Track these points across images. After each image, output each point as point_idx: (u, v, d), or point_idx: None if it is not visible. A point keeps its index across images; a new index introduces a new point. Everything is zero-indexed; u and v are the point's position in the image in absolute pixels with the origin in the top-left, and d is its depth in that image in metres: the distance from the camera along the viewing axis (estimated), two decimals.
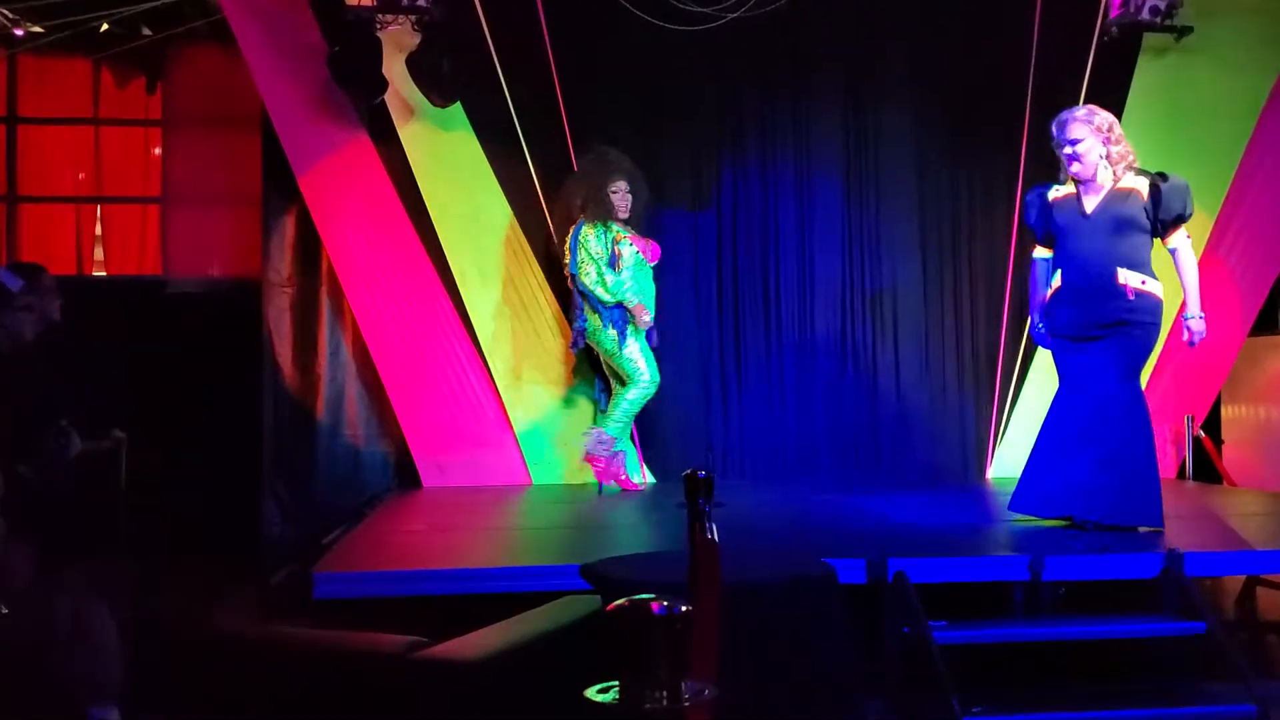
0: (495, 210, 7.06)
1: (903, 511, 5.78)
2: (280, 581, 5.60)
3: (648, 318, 6.56)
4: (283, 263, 6.95)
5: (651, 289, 6.66)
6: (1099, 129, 4.91)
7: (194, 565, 4.90)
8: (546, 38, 6.88)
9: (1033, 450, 5.16)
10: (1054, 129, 5.00)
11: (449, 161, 7.00)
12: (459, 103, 6.83)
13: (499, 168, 7.03)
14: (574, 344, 6.75)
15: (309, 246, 6.95)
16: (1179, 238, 4.95)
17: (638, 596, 1.84)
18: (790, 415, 7.39)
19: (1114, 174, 4.93)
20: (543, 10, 6.82)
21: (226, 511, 6.52)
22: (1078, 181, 4.99)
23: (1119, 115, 7.00)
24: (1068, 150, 4.95)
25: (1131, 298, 4.83)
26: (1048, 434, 5.06)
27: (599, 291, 6.49)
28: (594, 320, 6.57)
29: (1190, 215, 4.94)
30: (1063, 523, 4.94)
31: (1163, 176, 4.92)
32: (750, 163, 7.44)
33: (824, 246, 7.48)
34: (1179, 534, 4.89)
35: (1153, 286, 4.90)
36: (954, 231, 7.59)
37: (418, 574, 4.18)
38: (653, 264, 6.68)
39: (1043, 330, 5.15)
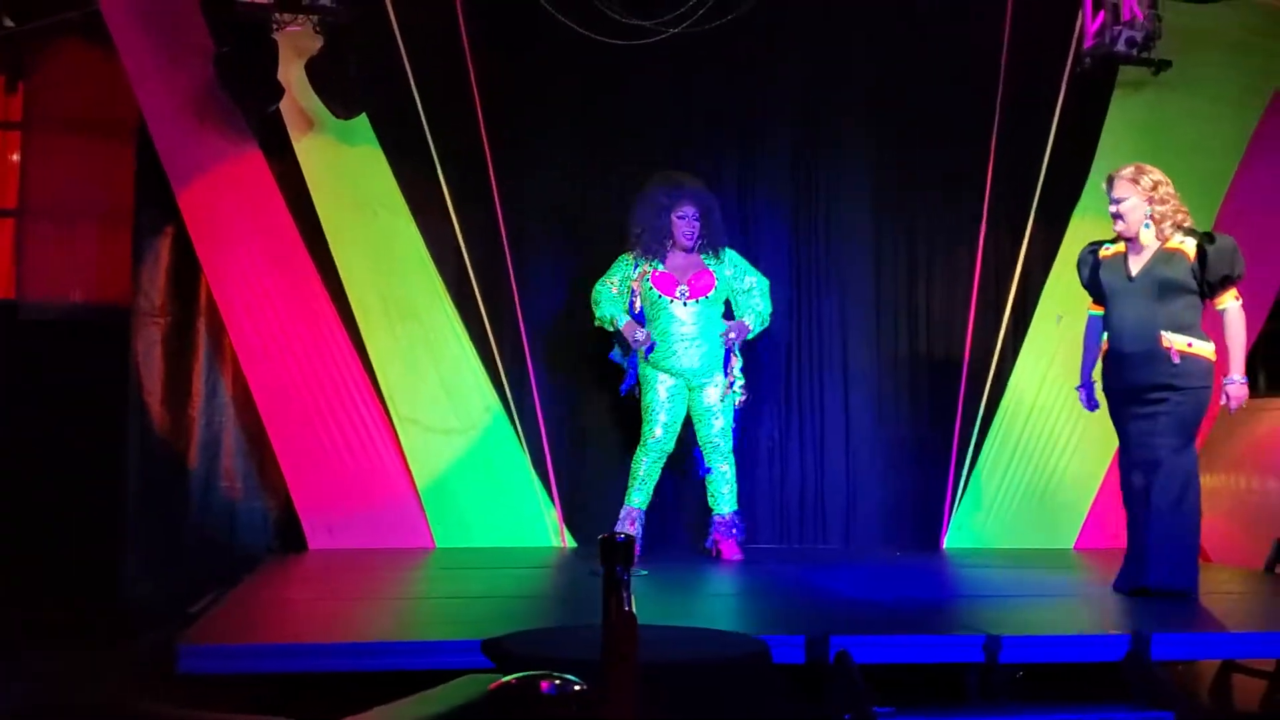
0: (402, 235, 7.06)
1: (848, 584, 5.84)
2: (140, 652, 5.52)
3: (640, 335, 6.64)
4: (155, 289, 6.88)
5: (672, 329, 6.65)
6: (1144, 189, 5.35)
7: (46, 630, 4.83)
8: (465, 45, 6.93)
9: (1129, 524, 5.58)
10: (1104, 185, 5.52)
11: (350, 180, 7.00)
12: (364, 114, 6.84)
13: (408, 188, 7.05)
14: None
15: (186, 271, 6.89)
16: (1228, 299, 5.32)
17: (527, 674, 1.84)
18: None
19: (1160, 233, 5.35)
20: (462, 15, 6.88)
21: (82, 572, 6.42)
22: (1125, 240, 5.42)
23: (1092, 151, 7.30)
24: (1112, 209, 5.41)
25: (1176, 361, 5.22)
26: (1142, 509, 5.42)
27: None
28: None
29: (1240, 275, 5.31)
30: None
31: (1210, 238, 5.34)
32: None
33: (769, 289, 7.57)
34: (1148, 613, 5.01)
35: (1201, 349, 5.28)
36: (910, 275, 7.74)
37: (298, 648, 4.13)
38: (686, 300, 6.66)
39: (1082, 394, 5.68)
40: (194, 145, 6.76)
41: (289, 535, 6.94)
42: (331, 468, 6.91)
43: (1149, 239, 5.36)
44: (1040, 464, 7.44)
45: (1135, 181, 5.37)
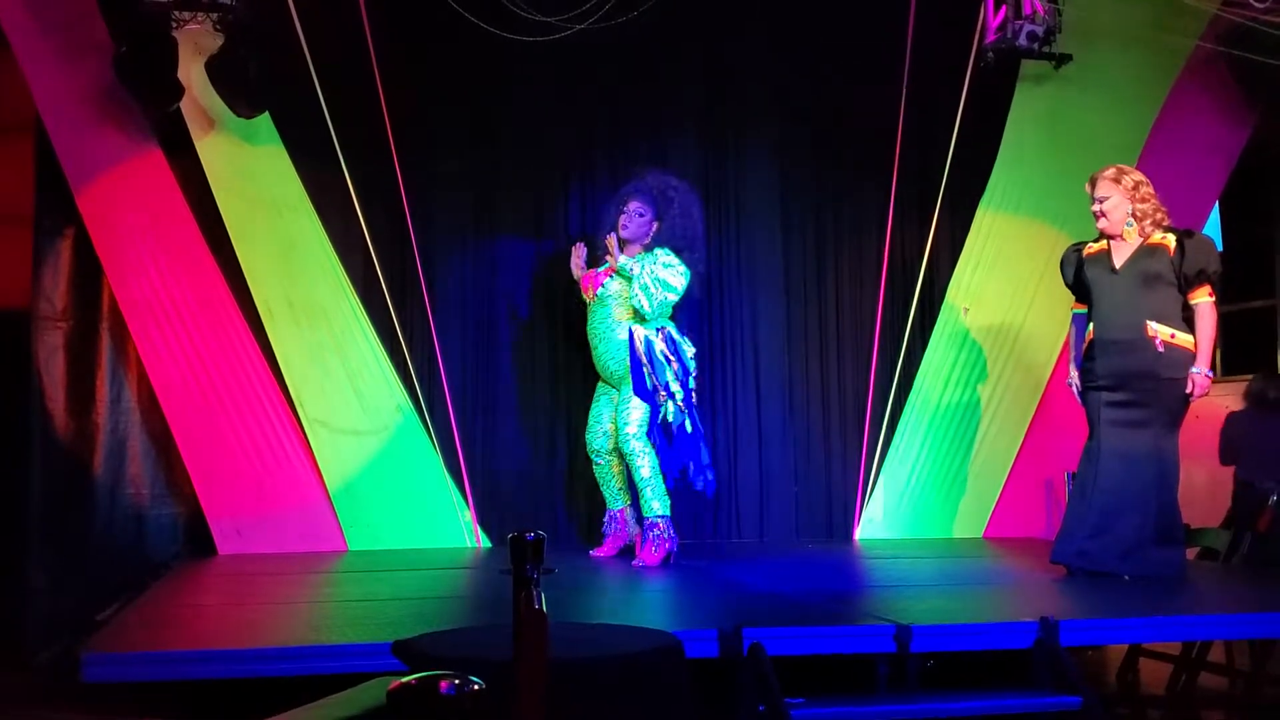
0: (307, 234, 6.98)
1: (761, 577, 5.89)
2: (45, 662, 5.43)
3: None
4: (56, 292, 6.76)
5: (597, 329, 6.58)
6: (1126, 188, 5.62)
7: None
8: (370, 42, 6.87)
9: (1070, 501, 5.87)
10: (1087, 186, 5.74)
11: (254, 179, 6.91)
12: (267, 113, 6.76)
13: (312, 187, 6.98)
14: None
15: (88, 274, 6.76)
16: (1202, 295, 5.55)
17: (426, 674, 1.84)
18: None
19: (1142, 230, 5.62)
20: (365, 11, 6.81)
21: None
22: (1108, 238, 5.68)
23: (995, 144, 7.43)
24: (1095, 207, 5.68)
25: (1160, 349, 5.48)
26: (1085, 489, 5.64)
27: None
28: None
29: (1215, 271, 5.55)
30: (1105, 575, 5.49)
31: (1189, 234, 5.64)
32: (600, 188, 7.53)
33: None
34: (1056, 601, 5.13)
35: (1183, 340, 5.52)
36: (820, 269, 7.82)
37: (205, 654, 4.07)
38: (589, 298, 6.64)
39: (1074, 385, 5.83)
40: (93, 145, 6.64)
41: (198, 541, 6.84)
42: (240, 472, 6.82)
43: (1132, 236, 5.62)
44: (949, 455, 7.55)
45: (1117, 181, 5.63)
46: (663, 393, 6.33)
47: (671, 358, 6.39)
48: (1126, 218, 5.62)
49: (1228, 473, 7.95)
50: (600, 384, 6.71)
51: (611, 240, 6.44)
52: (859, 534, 7.52)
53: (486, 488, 7.22)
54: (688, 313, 7.57)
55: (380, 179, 7.01)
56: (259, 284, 6.88)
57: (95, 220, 6.66)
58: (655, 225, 6.50)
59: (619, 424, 6.45)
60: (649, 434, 6.40)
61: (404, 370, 7.09)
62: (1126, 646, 5.81)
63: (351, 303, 7.03)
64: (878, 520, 7.53)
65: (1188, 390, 5.50)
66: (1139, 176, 5.68)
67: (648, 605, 5.29)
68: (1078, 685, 4.12)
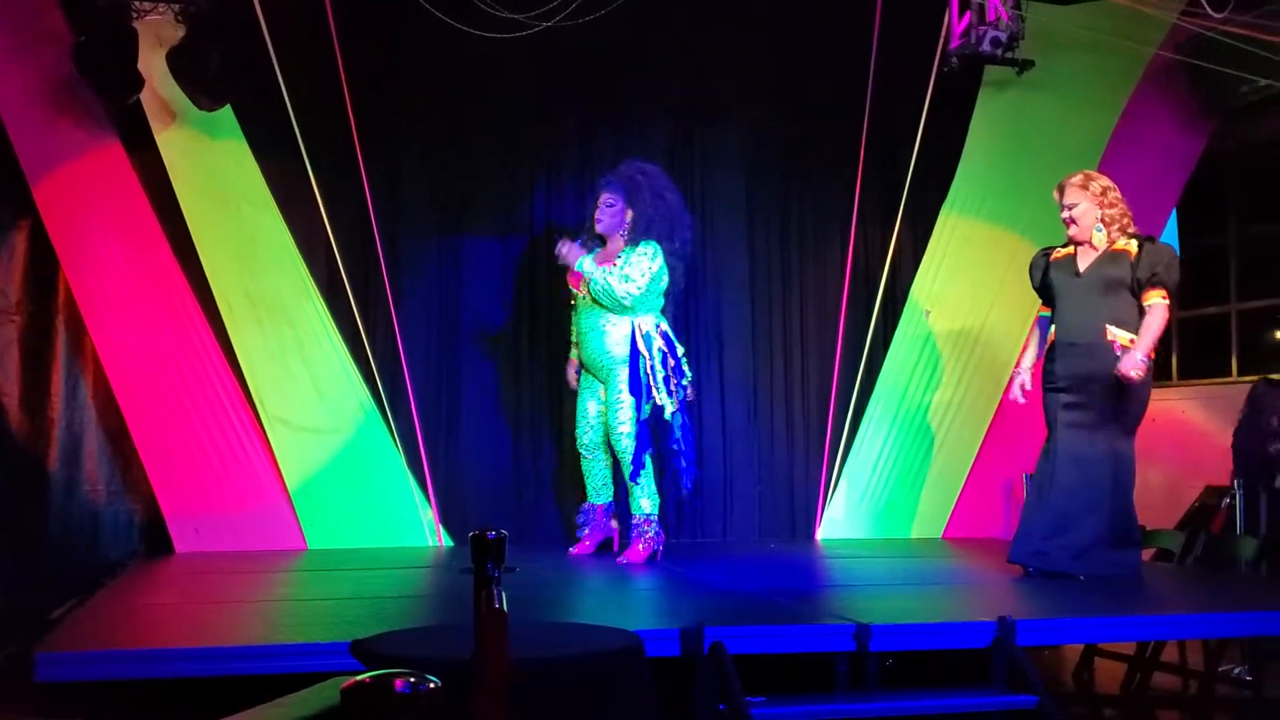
0: (269, 230, 6.93)
1: (722, 576, 5.90)
2: None
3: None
4: (11, 285, 6.70)
5: (585, 324, 6.45)
6: (1094, 194, 5.66)
7: None
8: (334, 35, 6.82)
9: (1027, 501, 5.90)
10: (1055, 193, 5.77)
11: (215, 173, 6.86)
12: (229, 106, 6.70)
13: (275, 181, 6.93)
14: None
15: (44, 268, 6.70)
16: (1155, 296, 5.54)
17: (381, 673, 1.81)
18: None
19: (1109, 236, 5.66)
20: (330, 4, 6.76)
21: None
22: (1076, 243, 5.72)
23: (958, 149, 7.47)
24: (1064, 214, 5.71)
25: (1118, 353, 5.49)
26: (1042, 490, 5.68)
27: None
28: None
29: (1170, 281, 5.55)
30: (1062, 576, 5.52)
31: (1151, 240, 5.68)
32: (566, 186, 7.53)
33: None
34: (1014, 600, 5.16)
35: None
36: (784, 270, 7.85)
37: (160, 653, 4.02)
38: (581, 293, 6.45)
39: (1014, 384, 5.93)
40: (51, 137, 6.57)
41: (154, 539, 6.78)
42: (198, 469, 6.76)
43: (1100, 241, 5.66)
44: (910, 456, 7.59)
45: (1085, 188, 5.67)
46: (659, 389, 6.30)
47: (668, 354, 6.40)
48: (1095, 223, 5.65)
49: (1185, 475, 8.03)
50: (587, 377, 6.62)
51: (563, 248, 6.41)
52: (821, 534, 7.54)
53: (449, 486, 7.19)
54: None
55: (344, 175, 6.97)
56: (219, 279, 6.82)
57: (52, 213, 6.59)
58: (628, 213, 6.40)
59: (610, 421, 6.41)
60: (640, 430, 6.36)
61: (366, 368, 7.04)
62: (1082, 646, 5.85)
63: (314, 299, 6.98)
64: (839, 520, 7.55)
65: (1118, 366, 5.46)
66: (1106, 182, 5.71)
67: (609, 604, 5.28)
68: (1034, 684, 4.15)
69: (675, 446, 6.41)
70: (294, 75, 6.77)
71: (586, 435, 6.64)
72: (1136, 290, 5.58)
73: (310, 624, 4.70)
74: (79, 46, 6.20)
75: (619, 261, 6.33)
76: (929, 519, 7.58)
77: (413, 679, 1.80)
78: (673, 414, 6.33)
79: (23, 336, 6.68)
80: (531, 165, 7.54)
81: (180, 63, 6.38)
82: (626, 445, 6.35)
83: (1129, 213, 5.69)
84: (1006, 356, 7.51)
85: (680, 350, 6.49)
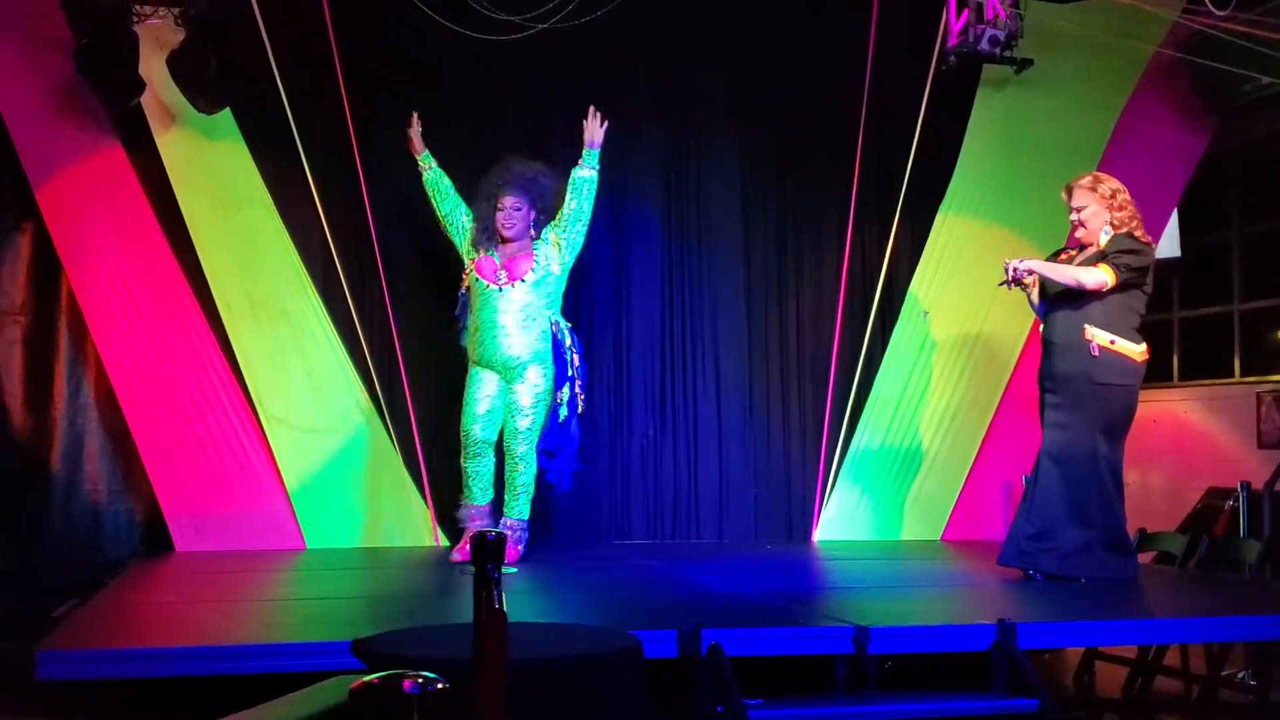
0: (268, 232, 6.96)
1: (720, 578, 5.91)
2: None
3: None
4: (14, 288, 6.74)
5: (508, 316, 6.25)
6: (1103, 196, 5.60)
7: None
8: (332, 38, 6.85)
9: (1020, 504, 5.87)
10: (1063, 195, 5.73)
11: (215, 175, 6.89)
12: (228, 109, 6.73)
13: (273, 183, 6.96)
14: None
15: (46, 270, 6.74)
16: (1098, 267, 5.48)
17: (389, 673, 1.84)
18: (602, 474, 7.48)
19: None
20: (328, 7, 6.79)
21: None
22: (1082, 245, 5.71)
23: (956, 149, 7.47)
24: (1073, 217, 5.69)
25: (1095, 353, 5.46)
26: (1032, 490, 5.69)
27: None
28: None
29: (1118, 263, 5.48)
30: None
31: (1130, 235, 5.56)
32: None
33: (642, 289, 7.63)
34: (1014, 603, 5.17)
35: (1124, 348, 5.53)
36: (780, 271, 7.85)
37: (160, 652, 4.05)
38: (502, 285, 6.27)
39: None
40: (53, 140, 6.61)
41: (155, 538, 6.82)
42: (198, 469, 6.79)
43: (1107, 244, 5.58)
44: (908, 458, 7.60)
45: (1093, 189, 5.61)
46: (573, 384, 6.29)
47: (577, 355, 6.38)
48: (1104, 226, 5.60)
49: (1186, 477, 8.04)
50: (480, 370, 6.35)
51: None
52: (817, 535, 7.55)
53: (446, 487, 7.20)
54: (647, 313, 7.60)
55: (341, 176, 7.00)
56: (219, 280, 6.86)
57: (55, 215, 6.63)
58: (532, 214, 6.37)
59: (513, 423, 6.24)
60: (546, 433, 6.29)
61: (364, 368, 7.07)
62: (1083, 650, 5.85)
63: (312, 300, 7.01)
64: (836, 522, 7.56)
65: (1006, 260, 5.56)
66: (1116, 184, 5.65)
67: (607, 606, 5.30)
68: (1035, 688, 4.16)
69: (560, 445, 6.34)
70: (292, 78, 6.79)
71: (484, 431, 6.36)
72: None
73: (309, 623, 4.73)
74: (81, 50, 6.21)
75: (554, 234, 6.35)
76: (927, 520, 7.59)
77: (421, 680, 1.82)
78: (571, 407, 6.29)
79: (26, 338, 6.72)
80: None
81: (180, 66, 6.40)
82: (523, 452, 6.25)
83: (1138, 215, 5.64)
84: (1005, 357, 7.54)
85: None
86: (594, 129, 6.37)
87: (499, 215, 6.33)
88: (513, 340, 6.26)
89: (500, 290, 6.28)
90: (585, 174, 6.37)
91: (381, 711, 1.82)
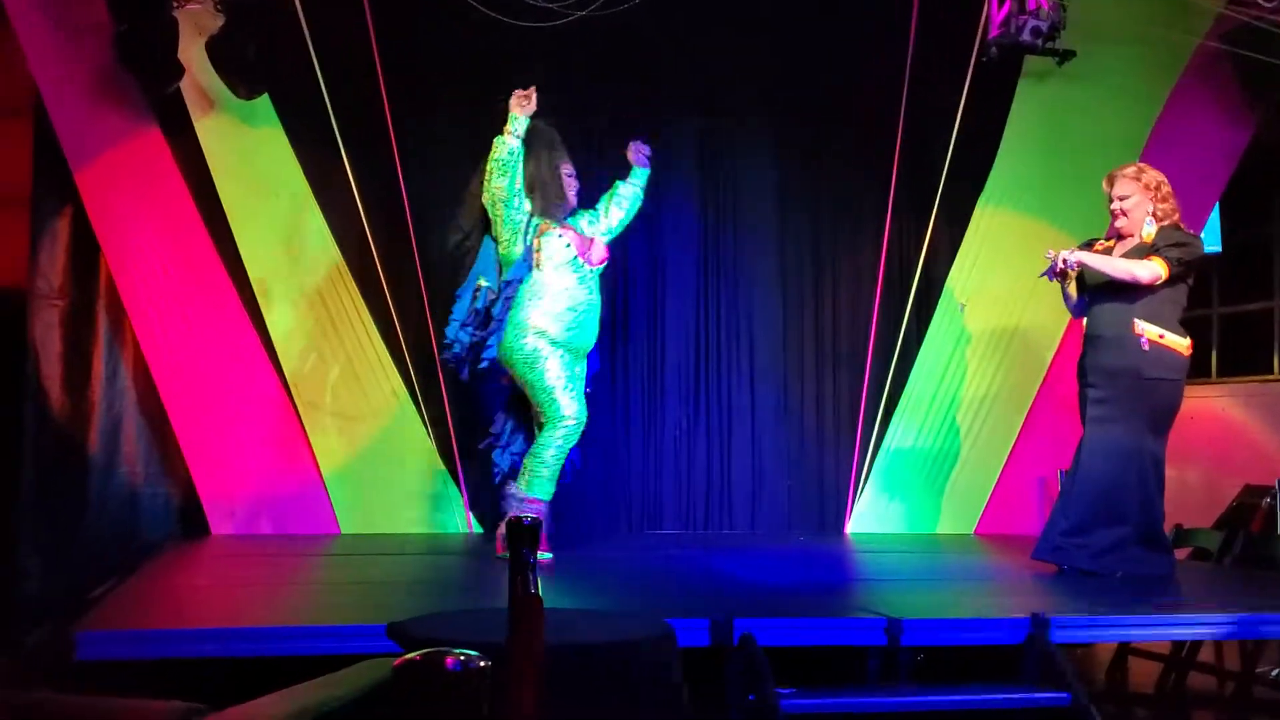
0: (305, 217, 7.03)
1: (753, 568, 5.93)
2: (38, 642, 5.44)
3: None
4: (54, 271, 6.75)
5: (587, 299, 6.00)
6: (1147, 186, 5.55)
7: None
8: (370, 25, 6.89)
9: (1057, 499, 5.88)
10: (1104, 184, 5.66)
11: (252, 161, 6.95)
12: (266, 94, 6.79)
13: (310, 169, 7.02)
14: (461, 359, 6.15)
15: (85, 253, 6.77)
16: (1152, 259, 5.46)
17: (431, 650, 1.87)
18: (635, 463, 7.52)
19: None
20: None
21: None
22: (1122, 236, 5.64)
23: (996, 141, 7.43)
24: (1114, 206, 5.63)
25: (1146, 348, 5.41)
26: (1071, 486, 5.66)
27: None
28: (510, 331, 5.89)
29: (1170, 256, 5.44)
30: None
31: (1177, 227, 5.57)
32: (600, 175, 7.52)
33: (676, 280, 7.65)
34: (1047, 597, 5.17)
35: (1173, 342, 5.48)
36: (816, 264, 7.85)
37: (198, 633, 4.11)
38: (593, 267, 6.07)
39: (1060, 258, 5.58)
40: (93, 125, 6.65)
41: (192, 521, 6.89)
42: (235, 453, 6.87)
43: (1151, 235, 5.54)
44: (942, 451, 7.59)
45: (1138, 179, 5.57)
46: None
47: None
48: (1147, 217, 5.57)
49: (1224, 474, 7.99)
50: (565, 353, 5.93)
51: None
52: (850, 527, 7.56)
53: (478, 474, 7.24)
54: (681, 304, 7.61)
55: (378, 162, 7.03)
56: (256, 266, 6.92)
57: (94, 200, 6.67)
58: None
59: (582, 401, 5.98)
60: None
61: (399, 355, 7.11)
62: (1116, 645, 5.84)
63: (348, 286, 7.06)
64: (869, 514, 7.57)
65: (1051, 252, 5.52)
66: (1160, 176, 5.61)
67: (640, 593, 5.33)
68: (1067, 682, 4.16)
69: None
70: (330, 63, 6.84)
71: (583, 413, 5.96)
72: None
73: (345, 606, 4.78)
74: (120, 36, 6.27)
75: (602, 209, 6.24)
76: (961, 514, 7.59)
77: (463, 658, 1.86)
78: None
79: (65, 321, 6.74)
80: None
81: (219, 51, 6.45)
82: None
83: (1179, 208, 5.62)
84: (1042, 351, 7.52)
85: None
86: (641, 151, 6.32)
87: (567, 181, 6.14)
88: (594, 322, 6.06)
89: (592, 272, 6.04)
90: (637, 190, 6.32)
91: (425, 687, 1.86)
